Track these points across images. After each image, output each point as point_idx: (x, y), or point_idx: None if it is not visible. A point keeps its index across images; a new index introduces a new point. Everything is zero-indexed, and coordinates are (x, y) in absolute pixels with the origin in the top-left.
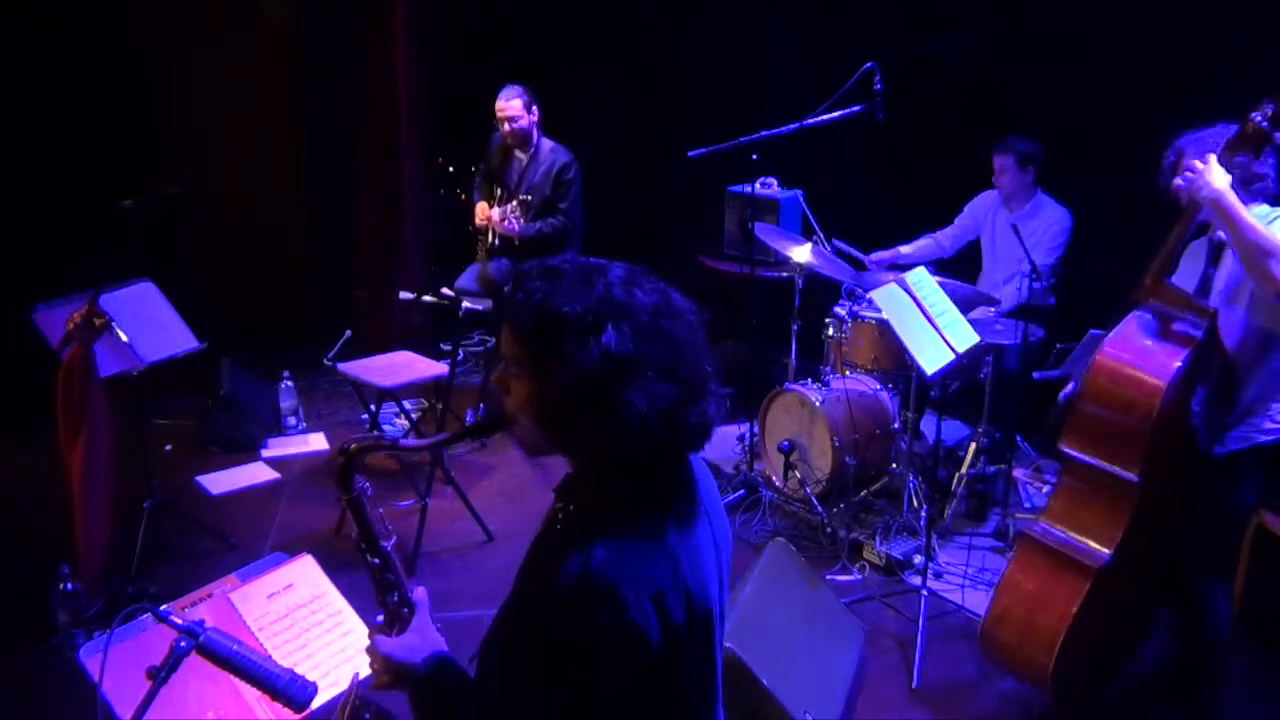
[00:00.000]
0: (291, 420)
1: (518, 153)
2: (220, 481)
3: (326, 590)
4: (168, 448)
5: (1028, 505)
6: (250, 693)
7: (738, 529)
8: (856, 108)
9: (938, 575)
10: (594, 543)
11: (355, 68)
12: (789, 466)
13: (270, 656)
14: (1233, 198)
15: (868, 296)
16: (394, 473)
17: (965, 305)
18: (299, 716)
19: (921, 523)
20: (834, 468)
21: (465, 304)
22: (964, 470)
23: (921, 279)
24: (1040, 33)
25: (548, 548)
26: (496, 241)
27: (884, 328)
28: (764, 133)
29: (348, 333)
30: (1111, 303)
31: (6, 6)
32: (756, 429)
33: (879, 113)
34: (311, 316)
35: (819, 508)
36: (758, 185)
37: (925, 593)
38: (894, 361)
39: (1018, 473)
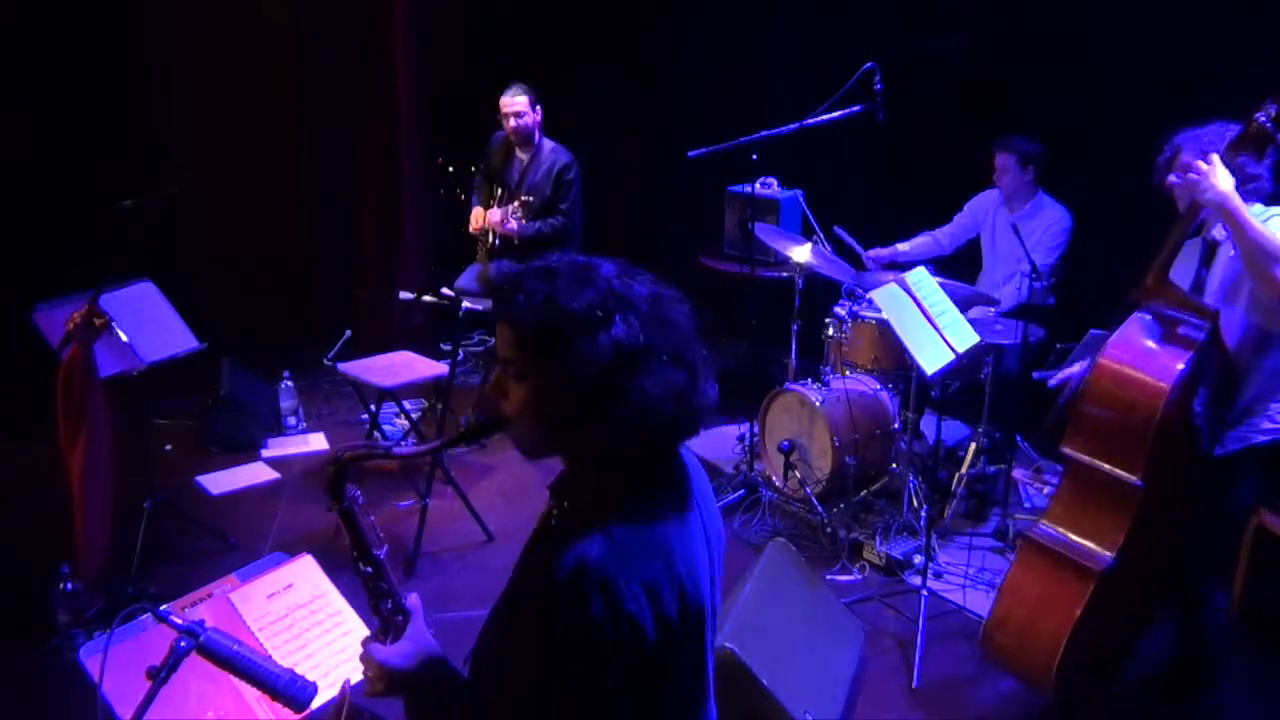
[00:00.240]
0: (291, 420)
1: (519, 152)
2: (220, 481)
3: (326, 590)
4: (168, 448)
5: (1028, 505)
6: (250, 693)
7: (737, 529)
8: (856, 108)
9: (938, 575)
10: (589, 537)
11: (355, 68)
12: (789, 466)
13: (270, 656)
14: (1238, 201)
15: (868, 296)
16: (394, 473)
17: (965, 305)
18: (299, 716)
19: (921, 523)
20: (834, 468)
21: (465, 304)
22: (964, 470)
23: (921, 279)
24: (1040, 33)
25: (543, 544)
26: (497, 242)
27: (884, 328)
28: (764, 133)
29: (348, 333)
30: (1112, 303)
31: (6, 6)
32: (756, 429)
33: (879, 113)
34: (311, 316)
35: (819, 508)
36: (758, 185)
37: (925, 593)
38: (894, 361)
39: (1017, 473)
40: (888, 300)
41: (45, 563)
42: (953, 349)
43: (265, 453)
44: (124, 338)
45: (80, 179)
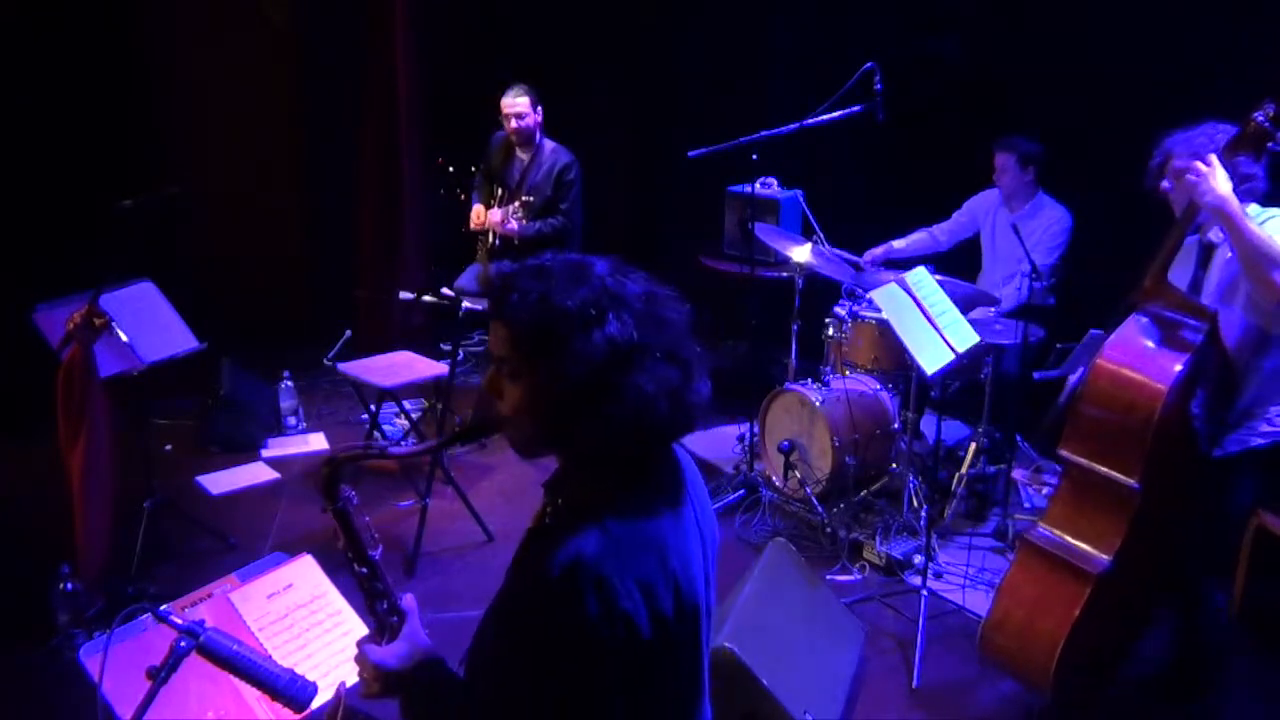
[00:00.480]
0: (291, 420)
1: (519, 153)
2: (220, 481)
3: (326, 590)
4: (168, 448)
5: (1028, 505)
6: (250, 693)
7: (738, 529)
8: (856, 108)
9: (938, 575)
10: (583, 535)
11: (355, 68)
12: (789, 466)
13: (270, 656)
14: (1236, 204)
15: (868, 296)
16: (394, 473)
17: (965, 305)
18: (299, 716)
19: (921, 523)
20: (834, 468)
21: (465, 304)
22: (964, 470)
23: (921, 279)
24: (1040, 33)
25: (537, 542)
26: (497, 242)
27: (884, 328)
28: (764, 133)
29: (348, 333)
30: (1112, 303)
31: (6, 6)
32: (756, 429)
33: (879, 113)
34: (311, 316)
35: (819, 508)
36: (758, 185)
37: (925, 593)
38: (894, 361)
39: (1017, 474)
40: (888, 300)
41: (45, 563)
42: (953, 349)
43: (265, 453)
44: (124, 338)
45: (80, 179)
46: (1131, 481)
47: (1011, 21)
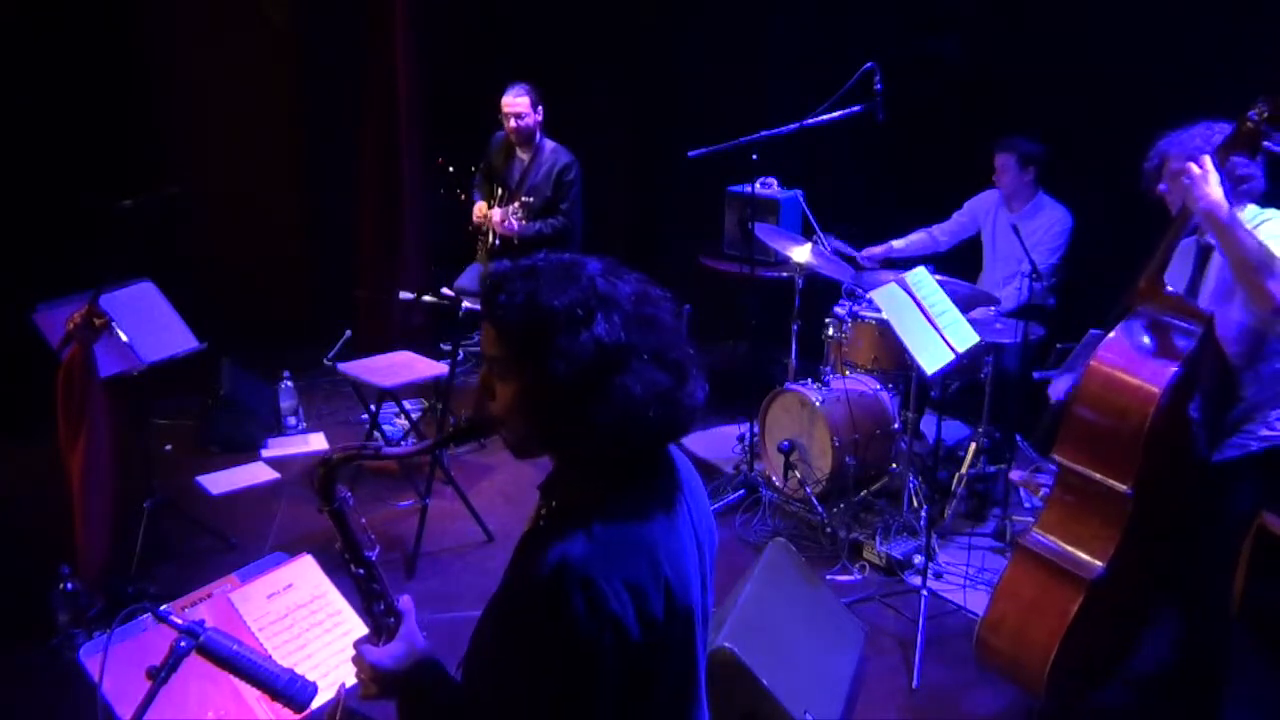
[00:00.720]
0: (291, 420)
1: (519, 153)
2: (220, 481)
3: (326, 590)
4: (168, 448)
5: (1027, 505)
6: (250, 693)
7: (738, 529)
8: (856, 108)
9: (938, 575)
10: (572, 537)
11: (355, 68)
12: (789, 466)
13: (270, 656)
14: (1227, 209)
15: (868, 296)
16: (394, 473)
17: (966, 304)
18: (299, 716)
19: (921, 523)
20: (834, 468)
21: (465, 304)
22: (964, 470)
23: (921, 279)
24: (1040, 33)
25: (530, 544)
26: (497, 242)
27: (884, 328)
28: (764, 133)
29: (348, 333)
30: (1112, 303)
31: (6, 6)
32: (756, 429)
33: (879, 113)
34: (311, 316)
35: (819, 508)
36: (758, 185)
37: (925, 593)
38: (894, 361)
39: (1014, 475)
40: (888, 300)
41: (45, 563)
42: (953, 349)
43: (265, 453)
44: (124, 338)
45: (80, 179)
46: (1124, 487)
47: (1011, 21)
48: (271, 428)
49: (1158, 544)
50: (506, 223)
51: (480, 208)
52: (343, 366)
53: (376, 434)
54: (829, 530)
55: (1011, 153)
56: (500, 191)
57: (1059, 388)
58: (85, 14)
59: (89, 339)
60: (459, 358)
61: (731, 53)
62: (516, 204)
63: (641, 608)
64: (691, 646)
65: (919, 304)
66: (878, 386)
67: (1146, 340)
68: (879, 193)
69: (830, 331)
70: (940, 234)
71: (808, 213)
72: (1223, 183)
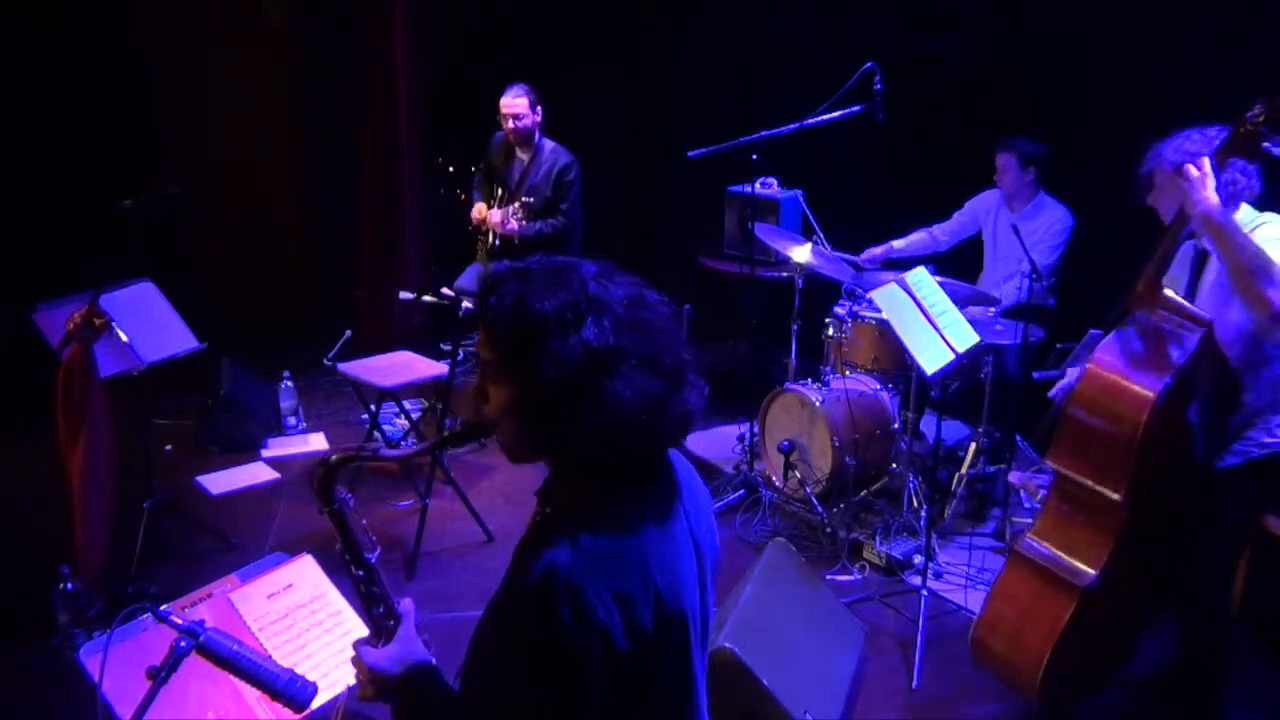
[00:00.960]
0: (291, 420)
1: (519, 153)
2: (220, 481)
3: (326, 590)
4: (168, 448)
5: (1027, 506)
6: (250, 693)
7: (738, 529)
8: (856, 108)
9: (938, 575)
10: (561, 544)
11: (355, 68)
12: (789, 466)
13: (270, 656)
14: (1222, 214)
15: (868, 296)
16: (394, 473)
17: (965, 304)
18: (299, 716)
19: (921, 523)
20: (834, 468)
21: (465, 304)
22: (964, 470)
23: (921, 279)
24: (1040, 33)
25: (523, 550)
26: (497, 242)
27: (884, 328)
28: (764, 133)
29: (348, 333)
30: (1112, 303)
31: (6, 6)
32: (756, 429)
33: (879, 113)
34: (311, 316)
35: (819, 508)
36: (758, 185)
37: (925, 593)
38: (894, 361)
39: (1012, 477)
40: (888, 300)
41: (45, 563)
42: (953, 349)
43: (265, 453)
44: (124, 338)
45: (80, 179)
46: (1117, 496)
47: (1011, 21)
48: (271, 428)
49: (1154, 547)
50: (506, 223)
51: (479, 209)
52: (343, 366)
53: (376, 434)
54: (829, 530)
55: (1012, 153)
56: (500, 192)
57: (1066, 383)
58: (85, 14)
59: (89, 339)
60: (459, 358)
61: (731, 53)
62: (516, 204)
63: (630, 617)
64: (687, 651)
65: (919, 304)
66: (878, 386)
67: (1143, 345)
68: (879, 193)
69: (830, 331)
70: (941, 234)
71: (808, 213)
72: (1219, 187)
